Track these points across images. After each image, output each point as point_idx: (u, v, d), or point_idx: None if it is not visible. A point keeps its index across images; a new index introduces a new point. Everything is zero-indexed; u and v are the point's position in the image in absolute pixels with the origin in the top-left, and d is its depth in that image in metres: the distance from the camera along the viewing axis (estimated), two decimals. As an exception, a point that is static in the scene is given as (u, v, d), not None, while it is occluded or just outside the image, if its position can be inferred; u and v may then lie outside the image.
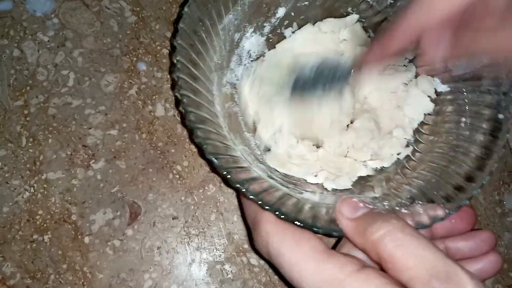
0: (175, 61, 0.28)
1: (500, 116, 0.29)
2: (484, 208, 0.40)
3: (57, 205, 0.37)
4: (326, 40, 0.36)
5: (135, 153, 0.38)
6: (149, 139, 0.39)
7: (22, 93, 0.38)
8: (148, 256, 0.36)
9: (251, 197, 0.26)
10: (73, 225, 0.36)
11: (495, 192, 0.40)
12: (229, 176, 0.26)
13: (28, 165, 0.37)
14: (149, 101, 0.39)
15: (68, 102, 0.39)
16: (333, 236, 0.26)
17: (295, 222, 0.25)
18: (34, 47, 0.39)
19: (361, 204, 0.26)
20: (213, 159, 0.26)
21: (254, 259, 0.37)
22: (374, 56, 0.29)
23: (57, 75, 0.39)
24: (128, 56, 0.40)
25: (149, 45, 0.41)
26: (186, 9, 0.30)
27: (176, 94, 0.27)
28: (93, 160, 0.38)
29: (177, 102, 0.27)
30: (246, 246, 0.37)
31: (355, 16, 0.37)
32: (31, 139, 0.38)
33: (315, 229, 0.25)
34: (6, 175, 0.37)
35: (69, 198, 0.37)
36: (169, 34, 0.41)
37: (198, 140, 0.26)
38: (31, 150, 0.37)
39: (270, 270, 0.37)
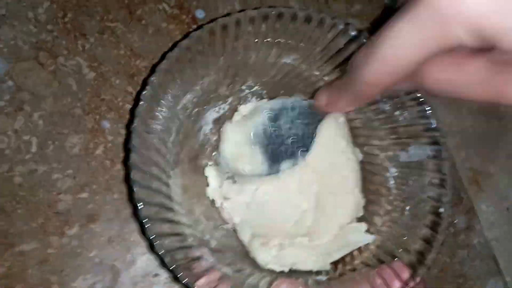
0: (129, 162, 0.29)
1: (441, 210, 0.32)
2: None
3: (36, 277, 0.36)
4: None
5: (109, 214, 0.38)
6: (121, 198, 0.39)
7: (-17, 164, 0.37)
8: (133, 317, 0.37)
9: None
10: (54, 295, 0.36)
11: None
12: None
13: (-1, 239, 0.36)
14: (117, 160, 0.39)
15: (33, 169, 0.38)
16: None
17: None
18: (-10, 114, 0.38)
19: None
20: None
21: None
22: (321, 107, 0.31)
23: (18, 142, 0.38)
24: (90, 115, 0.40)
25: (111, 102, 0.40)
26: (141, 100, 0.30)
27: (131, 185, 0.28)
28: (67, 227, 0.38)
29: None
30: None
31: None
32: (-1, 212, 0.37)
33: None
34: (-23, 252, 0.36)
35: (47, 268, 0.37)
36: (130, 89, 0.41)
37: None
38: (0, 223, 0.37)
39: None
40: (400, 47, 0.21)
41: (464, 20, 0.18)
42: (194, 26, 0.43)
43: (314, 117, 0.34)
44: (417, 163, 0.34)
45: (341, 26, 0.32)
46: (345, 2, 0.47)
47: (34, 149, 0.38)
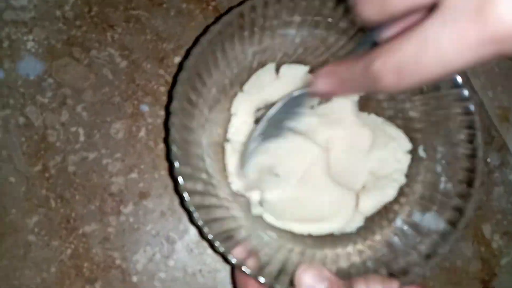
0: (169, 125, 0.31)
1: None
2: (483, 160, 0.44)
3: (100, 254, 0.40)
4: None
5: (158, 190, 0.41)
6: (167, 174, 0.41)
7: (38, 158, 0.40)
8: (193, 281, 0.40)
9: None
10: (119, 269, 0.40)
11: (480, 153, 0.45)
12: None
13: (62, 225, 0.40)
14: (159, 139, 0.42)
15: (84, 157, 0.41)
16: None
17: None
18: (37, 111, 0.41)
19: (318, 278, 0.28)
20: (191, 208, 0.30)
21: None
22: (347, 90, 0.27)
23: (67, 134, 0.41)
24: (129, 101, 0.42)
25: (146, 86, 0.43)
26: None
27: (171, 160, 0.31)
28: (122, 206, 0.40)
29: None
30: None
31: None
32: (59, 200, 0.40)
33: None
34: (45, 238, 0.39)
35: (109, 245, 0.40)
36: (162, 72, 0.43)
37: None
38: (62, 210, 0.40)
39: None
40: (443, 56, 0.18)
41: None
42: (214, 3, 0.45)
43: None
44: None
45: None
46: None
47: (82, 138, 0.41)
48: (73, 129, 0.41)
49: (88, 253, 0.40)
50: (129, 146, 0.41)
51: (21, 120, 0.41)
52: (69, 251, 0.39)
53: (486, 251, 0.44)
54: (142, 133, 0.42)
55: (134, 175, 0.41)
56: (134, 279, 0.40)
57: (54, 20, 0.43)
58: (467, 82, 0.33)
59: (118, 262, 0.40)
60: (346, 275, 0.31)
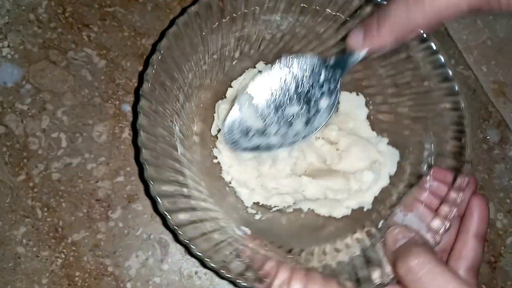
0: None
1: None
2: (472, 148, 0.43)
3: (91, 262, 0.38)
4: None
5: (147, 192, 0.40)
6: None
7: (21, 167, 0.39)
8: (190, 283, 0.39)
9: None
10: (112, 276, 0.38)
11: (478, 131, 0.44)
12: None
13: (51, 234, 0.38)
14: (144, 139, 0.40)
15: (68, 163, 0.39)
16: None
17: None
18: (16, 119, 0.40)
19: (401, 236, 0.29)
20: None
21: (284, 256, 0.40)
22: (358, 44, 0.29)
23: (48, 140, 0.40)
24: (110, 101, 0.41)
25: (127, 85, 0.41)
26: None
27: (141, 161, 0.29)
28: (110, 211, 0.39)
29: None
30: (274, 246, 0.40)
31: None
32: (45, 209, 0.39)
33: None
34: (34, 249, 0.38)
35: (100, 252, 0.39)
36: (141, 68, 0.41)
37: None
38: (49, 219, 0.39)
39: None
40: None
41: None
42: (191, -5, 0.43)
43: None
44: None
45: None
46: None
47: (64, 144, 0.40)
48: (55, 135, 0.40)
49: (79, 262, 0.38)
50: (114, 148, 0.40)
51: (1, 129, 0.39)
52: (59, 261, 0.38)
53: (491, 231, 0.42)
54: (126, 133, 0.40)
55: (120, 178, 0.40)
56: (128, 285, 0.38)
57: (28, 23, 0.42)
58: (455, 76, 0.31)
59: (110, 269, 0.38)
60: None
